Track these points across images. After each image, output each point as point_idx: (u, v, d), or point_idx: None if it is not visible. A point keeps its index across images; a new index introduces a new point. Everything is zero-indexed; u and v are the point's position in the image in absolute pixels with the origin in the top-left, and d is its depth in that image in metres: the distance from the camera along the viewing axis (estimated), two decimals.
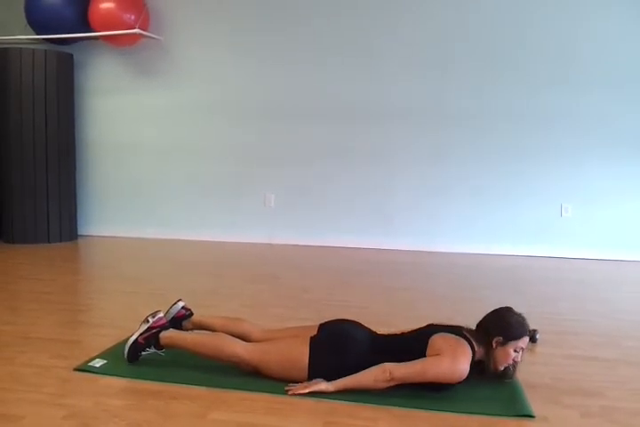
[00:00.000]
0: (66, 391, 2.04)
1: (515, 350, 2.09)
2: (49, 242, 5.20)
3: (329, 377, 2.09)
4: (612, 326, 2.98)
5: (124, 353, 2.27)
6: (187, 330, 2.47)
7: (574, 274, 4.34)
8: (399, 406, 1.96)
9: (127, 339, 2.30)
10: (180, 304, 2.55)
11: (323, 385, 2.01)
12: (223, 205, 5.46)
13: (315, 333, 2.18)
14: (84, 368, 2.24)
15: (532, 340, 2.60)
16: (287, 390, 2.03)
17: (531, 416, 1.90)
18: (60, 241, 5.27)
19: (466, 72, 4.94)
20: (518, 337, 2.08)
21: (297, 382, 2.09)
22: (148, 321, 2.28)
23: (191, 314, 2.54)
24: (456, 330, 2.13)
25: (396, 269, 4.40)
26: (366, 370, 2.02)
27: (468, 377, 2.05)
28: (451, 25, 4.92)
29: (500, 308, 2.20)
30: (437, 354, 2.01)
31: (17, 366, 2.26)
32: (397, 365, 2.00)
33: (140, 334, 2.26)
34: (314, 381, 2.04)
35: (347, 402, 1.98)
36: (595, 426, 1.86)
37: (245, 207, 5.42)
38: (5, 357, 2.37)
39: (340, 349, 2.11)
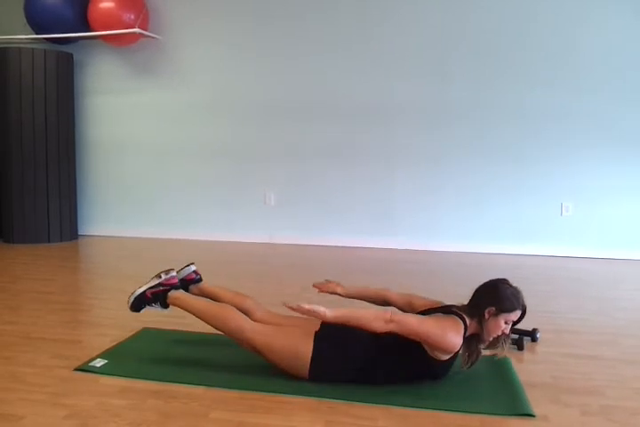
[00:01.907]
0: (66, 391, 2.04)
1: (505, 322, 2.08)
2: (49, 242, 5.20)
3: (330, 372, 2.10)
4: (612, 325, 2.98)
5: (128, 301, 2.27)
6: (192, 294, 2.47)
7: (574, 273, 4.34)
8: (400, 405, 1.97)
9: (134, 290, 2.30)
10: (192, 268, 2.55)
11: (322, 308, 2.02)
12: (223, 203, 5.46)
13: (318, 328, 2.18)
14: (84, 368, 2.24)
15: (533, 339, 2.61)
16: (286, 304, 2.06)
17: (531, 415, 1.90)
18: (61, 241, 5.28)
19: (467, 71, 4.93)
20: (511, 310, 2.07)
21: (296, 375, 2.11)
22: (160, 277, 2.28)
23: (200, 279, 2.55)
24: (446, 309, 2.14)
25: (396, 268, 4.40)
26: (369, 309, 2.03)
27: (469, 374, 2.06)
28: (452, 25, 4.91)
29: (497, 279, 2.18)
30: None
31: (17, 366, 2.27)
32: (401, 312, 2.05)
33: (149, 288, 2.26)
34: (315, 305, 2.04)
35: (348, 401, 1.98)
36: (595, 425, 1.86)
37: (245, 206, 5.42)
38: (6, 356, 2.37)
39: (342, 345, 2.11)
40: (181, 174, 5.51)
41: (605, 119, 4.77)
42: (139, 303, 2.27)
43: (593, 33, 4.73)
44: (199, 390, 2.07)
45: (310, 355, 2.08)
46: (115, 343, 2.51)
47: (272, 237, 5.37)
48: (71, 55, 5.33)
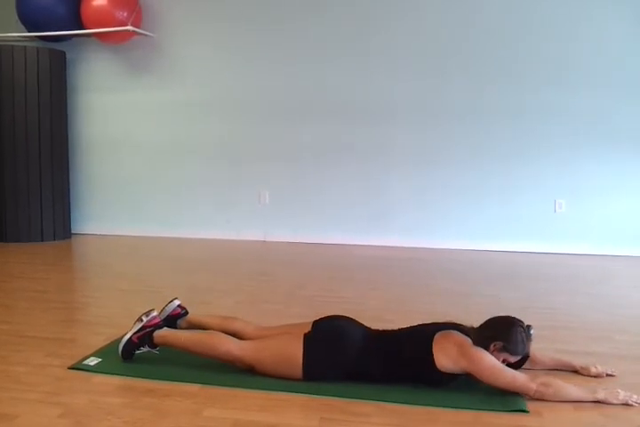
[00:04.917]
0: (61, 390, 2.04)
1: (503, 360, 2.06)
2: (42, 241, 5.18)
3: (323, 374, 2.10)
4: (605, 321, 2.99)
5: (117, 352, 2.27)
6: (181, 329, 2.47)
7: (568, 269, 4.35)
8: (394, 401, 1.97)
9: (121, 337, 2.30)
10: (176, 303, 2.56)
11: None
12: (217, 202, 5.45)
13: (308, 329, 2.18)
14: (78, 367, 2.24)
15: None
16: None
17: (524, 411, 1.91)
18: (54, 240, 5.25)
19: (463, 71, 4.93)
20: (514, 353, 2.07)
21: (291, 380, 2.09)
22: (141, 320, 2.28)
23: (186, 313, 2.55)
24: (460, 328, 2.12)
25: (391, 266, 4.40)
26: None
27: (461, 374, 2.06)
28: (449, 24, 4.90)
29: (515, 318, 2.15)
30: (457, 348, 2.01)
31: (11, 365, 2.26)
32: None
33: (134, 333, 2.26)
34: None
35: (342, 398, 1.99)
36: (588, 420, 1.87)
37: (240, 204, 5.41)
38: (0, 355, 2.36)
39: (334, 345, 2.11)
40: (175, 173, 5.49)
41: (599, 118, 4.78)
42: (128, 350, 2.26)
43: (589, 33, 4.73)
44: (193, 387, 2.07)
45: (301, 357, 2.08)
46: (109, 342, 2.50)
47: (266, 235, 5.36)
48: (64, 53, 5.31)
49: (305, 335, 2.13)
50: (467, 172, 5.02)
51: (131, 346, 2.25)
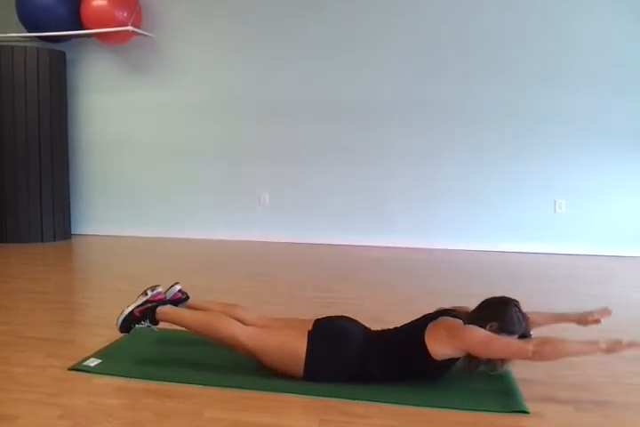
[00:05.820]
0: (61, 391, 2.04)
1: None
2: (42, 241, 5.18)
3: (325, 372, 2.10)
4: (606, 322, 2.95)
5: (116, 323, 2.24)
6: None
7: (568, 270, 4.35)
8: (394, 402, 1.97)
9: (122, 310, 2.26)
10: (177, 287, 2.52)
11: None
12: (218, 203, 5.45)
13: (310, 327, 2.17)
14: (78, 368, 2.23)
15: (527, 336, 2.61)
16: None
17: (526, 412, 1.90)
18: (54, 240, 5.25)
19: (461, 71, 4.93)
20: (511, 333, 2.06)
21: (292, 376, 2.10)
22: (146, 294, 2.25)
23: (187, 298, 2.52)
24: (452, 313, 2.13)
25: (391, 267, 4.40)
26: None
27: (461, 372, 2.06)
28: (449, 22, 4.90)
29: (509, 298, 2.14)
30: (450, 334, 2.01)
31: (11, 366, 2.26)
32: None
33: (137, 307, 2.23)
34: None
35: (342, 399, 1.98)
36: (589, 421, 1.87)
37: (240, 206, 5.41)
38: (0, 356, 2.36)
39: (336, 346, 2.11)
40: (176, 173, 5.49)
41: (598, 118, 4.78)
42: (128, 324, 2.23)
43: (588, 33, 4.73)
44: (194, 389, 2.06)
45: (304, 355, 2.08)
46: (109, 343, 2.50)
47: (266, 236, 5.36)
48: (64, 53, 5.30)
49: (309, 333, 2.13)
50: (466, 172, 5.02)
51: (131, 320, 2.22)
